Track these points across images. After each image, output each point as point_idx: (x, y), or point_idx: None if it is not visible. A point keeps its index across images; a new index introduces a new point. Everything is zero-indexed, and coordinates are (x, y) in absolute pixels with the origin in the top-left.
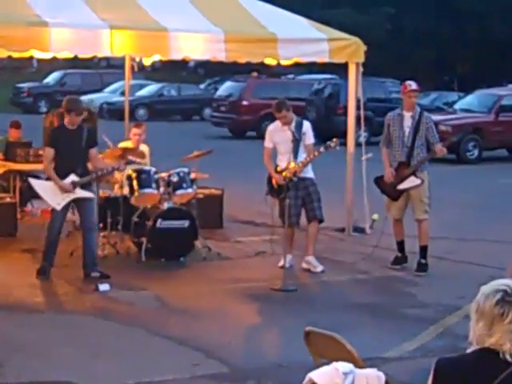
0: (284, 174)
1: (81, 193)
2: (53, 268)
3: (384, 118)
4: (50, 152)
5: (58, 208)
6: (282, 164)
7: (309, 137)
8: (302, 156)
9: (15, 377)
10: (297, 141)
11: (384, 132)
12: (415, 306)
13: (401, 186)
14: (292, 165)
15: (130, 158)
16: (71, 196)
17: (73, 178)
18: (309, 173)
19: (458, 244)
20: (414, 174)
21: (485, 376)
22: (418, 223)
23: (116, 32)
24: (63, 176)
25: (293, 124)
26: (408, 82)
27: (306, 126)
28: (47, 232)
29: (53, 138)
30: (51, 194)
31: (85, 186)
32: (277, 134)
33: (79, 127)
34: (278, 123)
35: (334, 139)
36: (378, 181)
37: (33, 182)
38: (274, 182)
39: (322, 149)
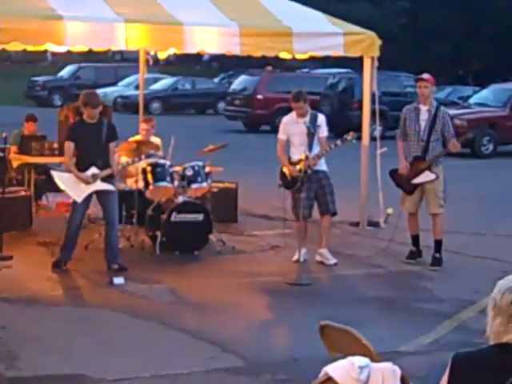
0: (299, 165)
1: (101, 185)
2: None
3: (399, 112)
4: (70, 146)
5: (79, 200)
6: (295, 156)
7: (323, 130)
8: (316, 149)
9: (30, 370)
10: (311, 134)
11: (400, 125)
12: (430, 300)
13: (415, 180)
14: (308, 157)
15: (150, 150)
16: (92, 188)
17: (93, 170)
18: (322, 165)
19: (473, 238)
20: (429, 168)
21: (502, 371)
22: (432, 217)
23: (131, 26)
24: (84, 169)
25: (307, 116)
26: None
27: (321, 118)
28: (68, 225)
29: (72, 132)
30: (72, 186)
31: (106, 179)
32: (291, 126)
33: (99, 121)
34: (292, 115)
35: (351, 132)
36: (393, 174)
37: (54, 173)
38: (287, 174)
39: (338, 142)
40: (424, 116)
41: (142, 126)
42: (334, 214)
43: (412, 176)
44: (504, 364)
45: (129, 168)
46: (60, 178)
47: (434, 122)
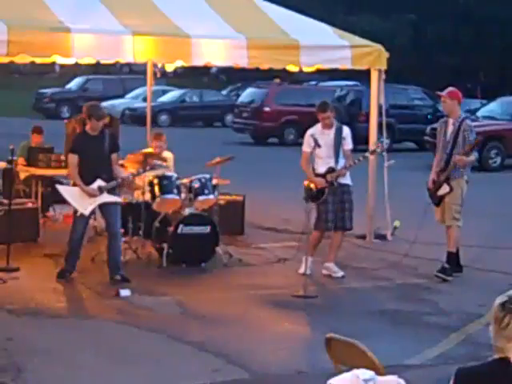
0: (327, 178)
1: (108, 197)
2: (74, 273)
3: (406, 125)
4: (73, 158)
5: (86, 213)
6: (320, 168)
7: (348, 142)
8: (341, 161)
9: (36, 382)
10: (338, 145)
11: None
12: (437, 313)
13: (438, 193)
14: (335, 169)
15: (155, 161)
16: (98, 201)
17: (99, 183)
18: (347, 179)
19: (481, 252)
20: (447, 180)
21: None
22: (446, 229)
23: (138, 38)
24: (89, 182)
25: (333, 128)
26: None
27: (346, 131)
28: (70, 237)
29: (76, 145)
30: (79, 199)
31: (110, 191)
32: (317, 138)
33: (101, 133)
34: (318, 127)
35: (379, 144)
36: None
37: (60, 188)
38: (314, 186)
39: (367, 154)
40: (450, 129)
41: (155, 143)
42: (349, 229)
43: (437, 188)
44: (501, 379)
45: (135, 180)
46: (66, 192)
47: (457, 136)
